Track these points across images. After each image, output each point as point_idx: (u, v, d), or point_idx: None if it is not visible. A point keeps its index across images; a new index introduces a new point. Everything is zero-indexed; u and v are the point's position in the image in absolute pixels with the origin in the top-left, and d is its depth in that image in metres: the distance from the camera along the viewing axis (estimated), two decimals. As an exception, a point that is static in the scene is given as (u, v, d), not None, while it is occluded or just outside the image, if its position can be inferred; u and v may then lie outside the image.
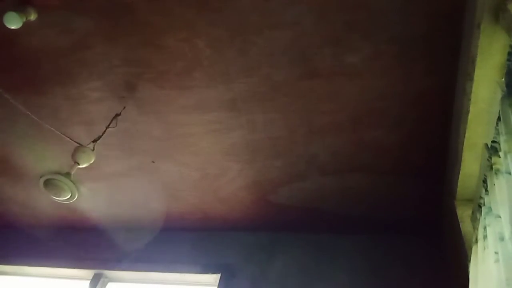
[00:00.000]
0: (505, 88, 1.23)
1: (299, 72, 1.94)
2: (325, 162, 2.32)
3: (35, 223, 3.15)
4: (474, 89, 1.50)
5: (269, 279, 2.58)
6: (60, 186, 1.96)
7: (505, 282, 1.10)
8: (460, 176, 1.84)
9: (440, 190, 2.32)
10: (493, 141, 1.34)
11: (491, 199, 1.35)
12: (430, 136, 2.09)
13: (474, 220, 1.62)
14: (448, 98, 1.90)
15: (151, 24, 1.86)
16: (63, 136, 2.25)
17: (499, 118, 1.28)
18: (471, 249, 1.60)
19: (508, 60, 1.22)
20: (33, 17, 1.86)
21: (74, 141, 2.08)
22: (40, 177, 1.99)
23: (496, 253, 1.23)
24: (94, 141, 2.11)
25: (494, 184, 1.30)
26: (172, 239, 2.91)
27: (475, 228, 1.60)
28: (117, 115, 2.23)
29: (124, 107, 2.22)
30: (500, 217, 1.25)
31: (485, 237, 1.38)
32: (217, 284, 2.60)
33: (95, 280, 2.83)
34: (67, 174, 1.95)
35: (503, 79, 1.30)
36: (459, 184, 1.89)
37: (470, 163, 1.77)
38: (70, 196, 2.02)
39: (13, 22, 1.77)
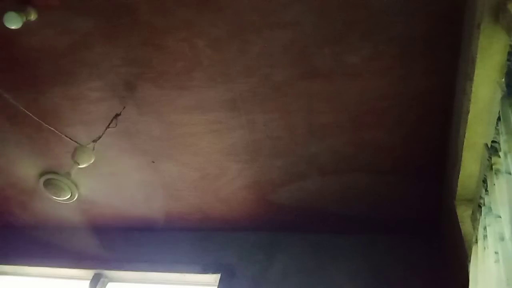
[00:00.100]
0: (505, 88, 1.23)
1: (299, 72, 1.94)
2: (325, 162, 2.32)
3: (35, 223, 3.15)
4: (474, 89, 1.49)
5: (269, 279, 2.58)
6: (60, 186, 1.96)
7: (505, 282, 1.10)
8: (460, 176, 1.84)
9: (440, 190, 2.32)
10: (493, 141, 1.34)
11: (491, 199, 1.35)
12: (430, 136, 2.09)
13: (474, 220, 1.62)
14: (448, 98, 1.90)
15: (151, 24, 1.86)
16: (63, 136, 2.25)
17: (499, 118, 1.28)
18: (471, 249, 1.60)
19: (508, 60, 1.22)
20: (33, 17, 1.86)
21: (74, 141, 2.08)
22: (40, 177, 1.99)
23: (496, 253, 1.23)
24: (94, 141, 2.11)
25: (494, 184, 1.30)
26: (172, 239, 2.91)
27: (475, 228, 1.60)
28: (117, 115, 2.23)
29: (124, 107, 2.23)
30: (500, 217, 1.25)
31: (485, 237, 1.38)
32: (217, 284, 2.60)
33: (95, 280, 2.83)
34: (67, 174, 1.96)
35: (503, 79, 1.30)
36: (459, 184, 1.89)
37: (470, 163, 1.77)
38: (70, 196, 2.02)
39: (13, 22, 1.78)
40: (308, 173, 2.40)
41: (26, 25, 1.83)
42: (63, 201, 2.12)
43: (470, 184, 1.86)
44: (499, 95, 1.32)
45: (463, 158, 1.76)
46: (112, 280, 2.89)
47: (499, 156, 1.29)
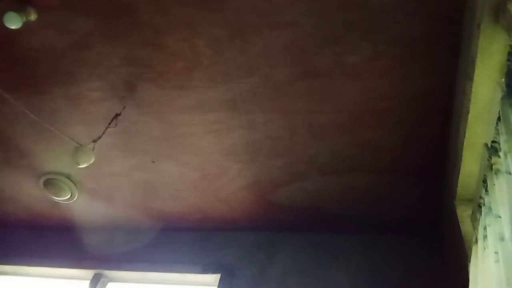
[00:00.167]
0: (505, 88, 1.23)
1: (299, 72, 1.94)
2: (325, 162, 2.32)
3: (35, 223, 3.15)
4: (474, 89, 1.50)
5: (269, 279, 2.58)
6: (60, 186, 1.96)
7: (505, 282, 1.10)
8: (460, 176, 1.84)
9: (440, 190, 2.32)
10: (493, 141, 1.34)
11: (491, 199, 1.35)
12: (430, 136, 2.09)
13: (474, 220, 1.62)
14: (448, 98, 1.90)
15: (151, 24, 1.86)
16: (63, 136, 2.25)
17: (499, 118, 1.28)
18: (471, 249, 1.60)
19: (508, 60, 1.22)
20: (33, 17, 1.86)
21: (74, 141, 2.08)
22: (40, 177, 1.99)
23: (496, 253, 1.23)
24: (94, 141, 2.11)
25: (494, 184, 1.30)
26: (172, 239, 2.91)
27: (475, 228, 1.60)
28: (117, 115, 2.23)
29: (124, 107, 2.23)
30: (500, 217, 1.25)
31: (485, 237, 1.38)
32: (217, 284, 2.60)
33: (95, 280, 2.83)
34: (67, 174, 1.96)
35: (503, 79, 1.30)
36: (459, 184, 1.89)
37: (470, 163, 1.77)
38: (70, 196, 2.02)
39: (13, 22, 1.78)
40: (308, 173, 2.40)
41: (26, 25, 1.83)
42: (63, 201, 2.12)
43: (470, 184, 1.86)
44: (499, 95, 1.32)
45: (463, 158, 1.76)
46: (112, 280, 2.89)
47: (499, 156, 1.29)
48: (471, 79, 1.48)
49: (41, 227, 3.15)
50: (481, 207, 1.49)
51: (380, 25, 1.72)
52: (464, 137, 1.67)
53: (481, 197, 1.49)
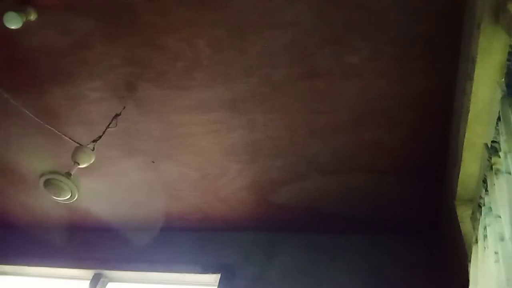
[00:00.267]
0: (505, 88, 1.23)
1: (299, 72, 1.94)
2: (325, 162, 2.32)
3: (35, 223, 3.15)
4: (474, 89, 1.50)
5: (269, 279, 2.58)
6: (60, 186, 1.96)
7: (506, 282, 1.10)
8: (460, 176, 1.84)
9: (440, 190, 2.32)
10: (493, 141, 1.34)
11: (491, 199, 1.35)
12: (430, 136, 2.09)
13: (474, 220, 1.62)
14: (448, 98, 1.90)
15: (151, 24, 1.86)
16: (63, 136, 2.25)
17: (499, 118, 1.28)
18: (471, 249, 1.60)
19: (508, 60, 1.22)
20: (33, 17, 1.86)
21: (74, 141, 2.08)
22: (40, 177, 1.99)
23: (496, 253, 1.23)
24: (94, 141, 2.11)
25: (494, 184, 1.30)
26: (172, 239, 2.91)
27: (475, 228, 1.60)
28: (117, 115, 2.23)
29: (124, 107, 2.23)
30: (500, 217, 1.25)
31: (485, 237, 1.38)
32: (217, 284, 2.60)
33: (95, 280, 2.83)
34: (67, 174, 1.95)
35: (503, 79, 1.30)
36: (459, 184, 1.89)
37: (470, 163, 1.77)
38: (70, 196, 2.02)
39: (13, 22, 1.77)
40: (308, 173, 2.40)
41: (26, 25, 1.83)
42: (63, 201, 2.11)
43: (470, 184, 1.86)
44: (499, 95, 1.32)
45: (463, 158, 1.76)
46: (112, 280, 2.90)
47: (499, 156, 1.29)
48: (471, 79, 1.48)
49: (41, 227, 3.15)
50: (481, 207, 1.49)
51: (380, 25, 1.72)
52: (464, 137, 1.67)
53: (481, 197, 1.49)
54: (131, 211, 2.90)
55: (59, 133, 2.26)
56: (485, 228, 1.40)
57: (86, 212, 2.97)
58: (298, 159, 2.34)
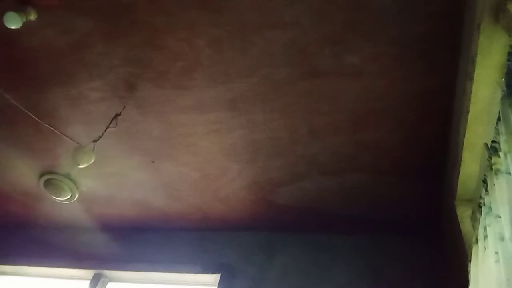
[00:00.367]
0: (505, 88, 1.23)
1: (299, 72, 1.94)
2: (325, 162, 2.32)
3: (35, 223, 3.15)
4: (474, 89, 1.50)
5: (269, 279, 2.58)
6: (60, 186, 1.96)
7: (506, 283, 1.10)
8: (460, 176, 1.84)
9: (440, 190, 2.32)
10: (493, 141, 1.34)
11: (491, 199, 1.35)
12: (430, 136, 2.09)
13: (474, 220, 1.62)
14: (448, 98, 1.90)
15: (151, 24, 1.86)
16: (63, 136, 2.25)
17: (499, 118, 1.28)
18: (471, 249, 1.60)
19: (508, 60, 1.22)
20: (33, 17, 1.86)
21: (74, 141, 2.08)
22: (40, 177, 1.99)
23: (496, 253, 1.23)
24: (94, 141, 2.11)
25: (494, 184, 1.30)
26: (172, 239, 2.91)
27: (475, 228, 1.60)
28: (117, 115, 2.23)
29: (124, 107, 2.23)
30: (500, 217, 1.25)
31: (485, 237, 1.38)
32: (217, 284, 2.60)
33: (95, 280, 2.83)
34: (67, 174, 1.96)
35: (503, 79, 1.30)
36: (459, 184, 1.89)
37: (470, 163, 1.77)
38: (70, 196, 2.02)
39: (13, 22, 1.78)
40: (308, 173, 2.40)
41: (26, 25, 1.83)
42: (63, 201, 2.12)
43: (470, 184, 1.86)
44: (499, 95, 1.32)
45: (463, 158, 1.76)
46: (112, 280, 2.89)
47: (499, 156, 1.29)
48: (471, 79, 1.48)
49: (41, 227, 3.15)
50: (481, 207, 1.49)
51: (380, 25, 1.72)
52: (464, 137, 1.67)
53: (481, 197, 1.49)
54: (131, 211, 2.90)
55: (59, 133, 2.26)
56: (485, 228, 1.40)
57: (86, 212, 2.97)
58: (298, 159, 2.34)
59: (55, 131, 2.27)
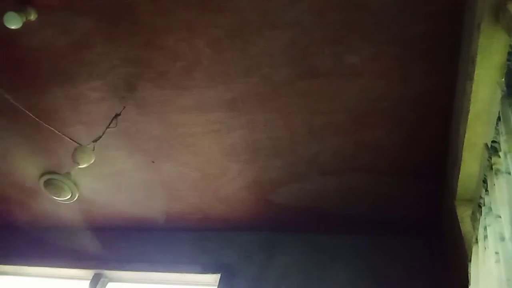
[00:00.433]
0: (505, 88, 1.23)
1: (299, 72, 1.94)
2: (325, 162, 2.32)
3: (35, 223, 3.15)
4: (474, 89, 1.50)
5: (269, 279, 2.57)
6: (60, 186, 1.96)
7: (506, 283, 1.10)
8: (460, 176, 1.84)
9: (440, 190, 2.32)
10: (493, 141, 1.34)
11: (491, 199, 1.35)
12: (430, 136, 2.09)
13: (474, 220, 1.62)
14: (448, 98, 1.90)
15: (151, 24, 1.86)
16: (63, 136, 2.25)
17: (499, 118, 1.28)
18: (471, 249, 1.60)
19: (508, 60, 1.22)
20: (33, 17, 1.86)
21: (74, 141, 2.08)
22: (40, 177, 1.99)
23: (496, 253, 1.23)
24: (94, 141, 2.11)
25: (494, 184, 1.30)
26: (172, 239, 2.91)
27: (475, 228, 1.60)
28: (117, 115, 2.23)
29: (124, 107, 2.23)
30: (500, 217, 1.25)
31: (485, 237, 1.38)
32: (217, 284, 2.60)
33: (95, 280, 2.83)
34: (67, 174, 1.96)
35: (503, 79, 1.30)
36: (459, 184, 1.89)
37: (470, 163, 1.77)
38: (70, 196, 2.02)
39: (13, 22, 1.78)
40: (308, 173, 2.40)
41: (26, 25, 1.83)
42: (63, 201, 2.12)
43: (470, 184, 1.86)
44: (499, 95, 1.32)
45: (463, 158, 1.76)
46: (112, 280, 2.89)
47: (499, 156, 1.29)
48: (471, 79, 1.48)
49: (41, 227, 3.15)
50: (481, 207, 1.49)
51: (380, 25, 1.72)
52: (464, 137, 1.67)
53: (481, 197, 1.49)
54: (131, 211, 2.90)
55: (59, 133, 2.26)
56: (485, 228, 1.40)
57: (86, 212, 2.97)
58: (298, 159, 2.34)
59: (55, 131, 2.27)
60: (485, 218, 1.41)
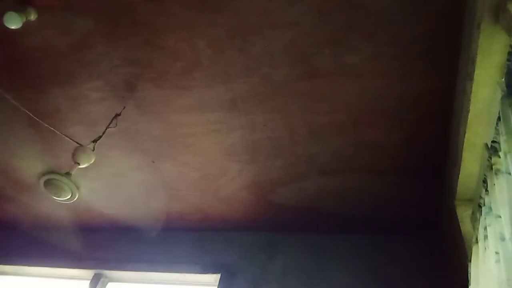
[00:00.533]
0: (505, 88, 1.23)
1: (299, 72, 1.94)
2: (325, 162, 2.32)
3: (35, 223, 3.15)
4: (474, 89, 1.50)
5: (269, 279, 2.58)
6: (60, 186, 1.96)
7: (506, 283, 1.10)
8: (460, 176, 1.84)
9: (440, 190, 2.32)
10: (493, 141, 1.34)
11: (491, 199, 1.35)
12: (430, 136, 2.09)
13: (474, 220, 1.62)
14: (448, 98, 1.90)
15: (151, 24, 1.86)
16: (63, 136, 2.25)
17: (499, 118, 1.28)
18: (471, 249, 1.60)
19: (508, 60, 1.22)
20: (33, 17, 1.86)
21: (74, 141, 2.08)
22: (40, 177, 1.99)
23: (497, 253, 1.23)
24: (94, 141, 2.11)
25: (494, 184, 1.30)
26: (172, 239, 2.91)
27: (475, 228, 1.60)
28: (117, 115, 2.23)
29: (124, 107, 2.23)
30: (500, 217, 1.25)
31: (485, 237, 1.38)
32: (217, 284, 2.60)
33: (95, 280, 2.83)
34: (67, 174, 1.95)
35: (503, 79, 1.30)
36: (459, 184, 1.89)
37: (470, 163, 1.77)
38: (70, 196, 2.02)
39: (13, 22, 1.77)
40: (308, 173, 2.40)
41: (26, 25, 1.83)
42: (63, 201, 2.11)
43: (470, 184, 1.86)
44: (499, 95, 1.32)
45: (463, 158, 1.76)
46: (112, 280, 2.89)
47: (499, 156, 1.29)
48: (471, 79, 1.48)
49: (41, 227, 3.15)
50: (481, 207, 1.49)
51: (380, 25, 1.72)
52: (464, 137, 1.67)
53: (481, 197, 1.49)
54: (131, 211, 2.90)
55: (59, 133, 2.26)
56: (485, 228, 1.40)
57: (86, 212, 2.97)
58: (298, 159, 2.34)
59: (55, 131, 2.27)
60: (485, 218, 1.41)
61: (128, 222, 2.98)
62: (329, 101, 2.03)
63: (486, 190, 1.42)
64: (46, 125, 2.28)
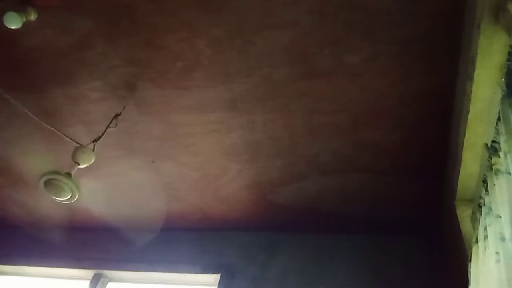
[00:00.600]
0: (505, 88, 1.23)
1: (299, 72, 1.94)
2: (325, 162, 2.32)
3: (35, 223, 3.15)
4: (474, 89, 1.50)
5: (269, 279, 2.57)
6: (60, 186, 1.96)
7: (507, 283, 1.10)
8: (460, 176, 1.84)
9: (440, 190, 2.32)
10: (493, 141, 1.34)
11: (491, 199, 1.35)
12: (430, 136, 2.09)
13: (474, 220, 1.62)
14: (448, 98, 1.90)
15: (151, 24, 1.86)
16: (63, 136, 2.25)
17: (499, 118, 1.28)
18: (471, 249, 1.60)
19: (508, 60, 1.22)
20: (33, 17, 1.86)
21: (74, 141, 2.08)
22: (40, 177, 1.99)
23: (497, 253, 1.23)
24: (94, 141, 2.11)
25: (494, 184, 1.30)
26: (172, 239, 2.91)
27: (475, 228, 1.60)
28: (117, 115, 2.23)
29: (124, 107, 2.23)
30: (500, 217, 1.25)
31: (485, 237, 1.38)
32: (217, 284, 2.60)
33: (95, 280, 2.83)
34: (67, 174, 1.95)
35: (503, 79, 1.30)
36: (459, 184, 1.89)
37: (470, 163, 1.77)
38: (70, 196, 2.02)
39: (13, 22, 1.78)
40: (308, 173, 2.40)
41: (26, 25, 1.83)
42: (63, 201, 2.11)
43: (470, 184, 1.86)
44: (499, 95, 1.32)
45: (463, 158, 1.76)
46: (112, 280, 2.89)
47: (499, 156, 1.29)
48: (471, 79, 1.48)
49: (41, 227, 3.15)
50: (481, 207, 1.49)
51: (380, 25, 1.72)
52: (464, 137, 1.67)
53: (481, 197, 1.49)
54: (131, 211, 2.90)
55: (59, 133, 2.26)
56: (485, 228, 1.40)
57: (86, 212, 2.96)
58: (298, 159, 2.34)
59: (55, 131, 2.27)
60: (485, 218, 1.41)
61: (128, 222, 2.98)
62: (329, 101, 2.03)
63: (486, 190, 1.42)
64: (46, 125, 2.28)
